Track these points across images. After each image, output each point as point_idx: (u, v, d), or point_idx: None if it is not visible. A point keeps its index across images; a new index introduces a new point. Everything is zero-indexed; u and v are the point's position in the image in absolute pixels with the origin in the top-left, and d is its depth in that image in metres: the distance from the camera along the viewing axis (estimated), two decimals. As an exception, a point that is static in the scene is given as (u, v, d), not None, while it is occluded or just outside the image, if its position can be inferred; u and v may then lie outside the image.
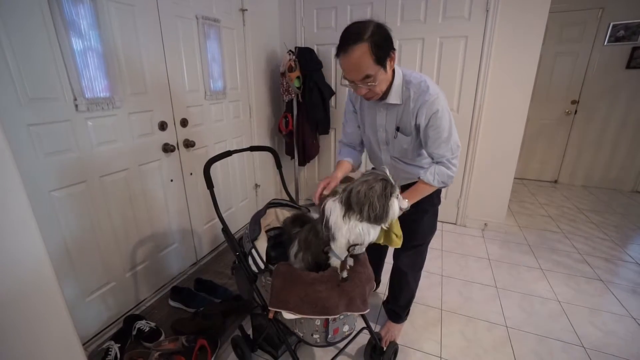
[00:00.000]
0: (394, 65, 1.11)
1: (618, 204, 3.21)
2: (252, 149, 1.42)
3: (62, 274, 1.35)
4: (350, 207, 0.96)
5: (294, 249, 1.14)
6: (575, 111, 3.55)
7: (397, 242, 1.12)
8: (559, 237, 2.53)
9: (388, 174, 0.98)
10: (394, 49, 1.06)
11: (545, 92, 3.57)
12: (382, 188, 0.95)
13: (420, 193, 1.19)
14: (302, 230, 1.13)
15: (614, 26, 3.17)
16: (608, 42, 3.23)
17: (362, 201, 0.94)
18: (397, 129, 1.23)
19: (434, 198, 1.33)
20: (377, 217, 0.95)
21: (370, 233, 1.00)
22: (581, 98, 3.49)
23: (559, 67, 3.48)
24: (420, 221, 1.35)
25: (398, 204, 0.98)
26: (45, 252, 0.72)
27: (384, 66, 1.04)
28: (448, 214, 2.75)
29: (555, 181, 3.87)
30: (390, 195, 0.96)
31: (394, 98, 1.15)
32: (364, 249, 1.08)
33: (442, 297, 1.84)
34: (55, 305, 0.75)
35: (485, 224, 2.64)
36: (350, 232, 0.98)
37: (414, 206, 1.14)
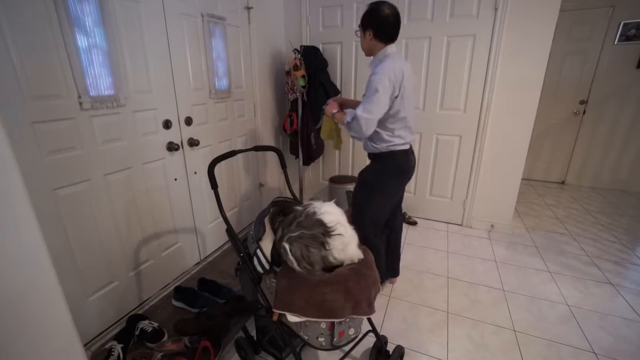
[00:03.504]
0: (381, 46, 1.51)
1: (627, 205, 3.15)
2: (257, 148, 1.40)
3: (65, 273, 1.34)
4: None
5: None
6: (584, 111, 3.49)
7: (335, 143, 1.84)
8: (566, 239, 2.49)
9: (321, 213, 1.02)
10: (371, 28, 1.48)
11: (553, 92, 3.52)
12: (318, 245, 0.98)
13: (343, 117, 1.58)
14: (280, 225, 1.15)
15: (624, 25, 3.11)
16: (618, 41, 3.17)
17: (299, 259, 0.98)
18: None
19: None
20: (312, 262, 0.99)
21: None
22: (590, 98, 3.43)
23: (568, 67, 3.43)
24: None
25: (340, 240, 1.01)
26: (45, 252, 0.71)
27: (362, 30, 1.52)
28: (454, 215, 2.71)
29: (563, 182, 3.82)
30: (327, 241, 0.99)
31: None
32: None
33: (449, 299, 1.81)
34: (55, 304, 0.74)
35: (492, 225, 2.61)
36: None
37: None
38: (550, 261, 2.18)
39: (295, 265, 0.98)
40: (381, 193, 1.63)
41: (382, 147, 1.57)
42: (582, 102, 3.47)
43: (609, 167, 3.56)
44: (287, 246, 0.98)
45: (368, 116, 1.43)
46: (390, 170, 1.60)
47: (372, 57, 1.57)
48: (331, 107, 1.66)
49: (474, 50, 2.28)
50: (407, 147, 1.61)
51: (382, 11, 1.44)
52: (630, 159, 3.43)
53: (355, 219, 1.66)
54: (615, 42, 3.19)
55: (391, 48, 1.51)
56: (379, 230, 1.73)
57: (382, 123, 1.52)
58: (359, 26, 1.53)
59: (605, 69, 3.29)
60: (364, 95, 1.50)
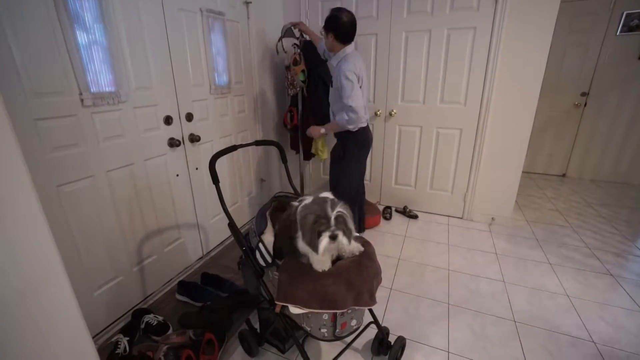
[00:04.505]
0: (341, 46, 1.85)
1: (628, 197, 3.16)
2: (258, 143, 1.41)
3: (70, 268, 1.35)
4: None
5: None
6: (585, 103, 3.48)
7: (321, 155, 2.36)
8: (567, 231, 2.50)
9: (334, 212, 0.97)
10: (332, 32, 1.80)
11: (554, 84, 3.50)
12: (312, 222, 0.96)
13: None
14: (279, 220, 1.15)
15: (627, 15, 3.08)
16: (621, 32, 3.15)
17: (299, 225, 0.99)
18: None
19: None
20: (310, 243, 0.98)
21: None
22: (591, 90, 3.41)
23: (569, 59, 3.41)
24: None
25: (326, 243, 0.96)
26: (54, 247, 0.72)
27: (325, 31, 1.84)
28: (454, 208, 2.72)
29: (564, 175, 3.81)
30: (321, 233, 0.96)
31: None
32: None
33: (449, 291, 1.83)
34: (64, 298, 0.75)
35: (493, 218, 2.62)
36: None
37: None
38: (550, 253, 2.19)
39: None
40: (348, 162, 2.01)
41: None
42: (583, 94, 3.46)
43: (610, 160, 3.55)
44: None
45: (358, 103, 1.79)
46: (353, 142, 1.97)
47: (333, 52, 1.92)
48: (316, 130, 2.03)
49: (474, 42, 2.27)
50: (365, 125, 1.96)
51: (341, 18, 1.77)
52: (631, 150, 3.43)
53: (331, 191, 1.83)
54: (618, 33, 3.17)
55: (349, 47, 1.87)
56: (353, 200, 2.07)
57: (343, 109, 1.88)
58: (322, 27, 1.86)
59: (607, 60, 3.27)
60: (331, 84, 1.96)
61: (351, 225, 1.00)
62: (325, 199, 1.00)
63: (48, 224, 0.72)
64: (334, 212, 0.96)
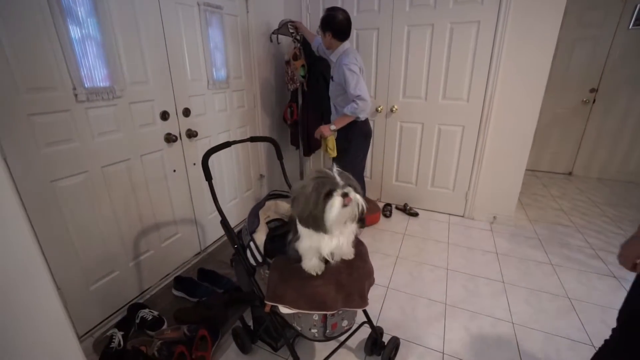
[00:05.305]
0: (339, 43, 1.95)
1: (635, 197, 3.08)
2: (253, 139, 1.39)
3: (66, 263, 1.37)
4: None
5: (289, 236, 1.10)
6: (594, 100, 3.38)
7: (331, 153, 2.07)
8: (571, 231, 2.45)
9: (334, 171, 0.87)
10: (329, 32, 1.90)
11: (561, 80, 3.41)
12: (314, 187, 0.85)
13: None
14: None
15: (640, 8, 2.98)
16: (633, 25, 3.04)
17: (302, 211, 0.89)
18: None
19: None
20: (315, 212, 0.86)
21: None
22: (600, 86, 3.32)
23: (578, 53, 3.31)
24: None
25: (339, 203, 0.83)
26: (35, 244, 0.72)
27: (322, 31, 1.93)
28: (456, 206, 2.69)
29: (570, 173, 3.74)
30: (330, 193, 0.83)
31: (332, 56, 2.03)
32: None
33: (447, 291, 1.80)
34: (47, 295, 0.75)
35: (494, 216, 2.58)
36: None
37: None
38: (552, 253, 2.15)
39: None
40: (353, 151, 2.10)
41: None
42: (592, 91, 3.36)
43: (618, 158, 3.46)
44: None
45: (365, 91, 1.87)
46: (356, 133, 2.05)
47: (331, 49, 2.01)
48: (326, 128, 2.03)
49: (478, 37, 2.21)
50: (366, 116, 2.05)
51: (337, 17, 1.85)
52: (640, 149, 3.34)
53: None
54: (630, 27, 3.06)
55: (347, 44, 1.97)
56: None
57: (348, 101, 1.93)
58: (319, 27, 1.94)
59: (618, 55, 3.17)
60: (331, 79, 2.05)
61: (358, 187, 0.87)
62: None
63: (29, 221, 0.71)
64: (335, 170, 0.85)
